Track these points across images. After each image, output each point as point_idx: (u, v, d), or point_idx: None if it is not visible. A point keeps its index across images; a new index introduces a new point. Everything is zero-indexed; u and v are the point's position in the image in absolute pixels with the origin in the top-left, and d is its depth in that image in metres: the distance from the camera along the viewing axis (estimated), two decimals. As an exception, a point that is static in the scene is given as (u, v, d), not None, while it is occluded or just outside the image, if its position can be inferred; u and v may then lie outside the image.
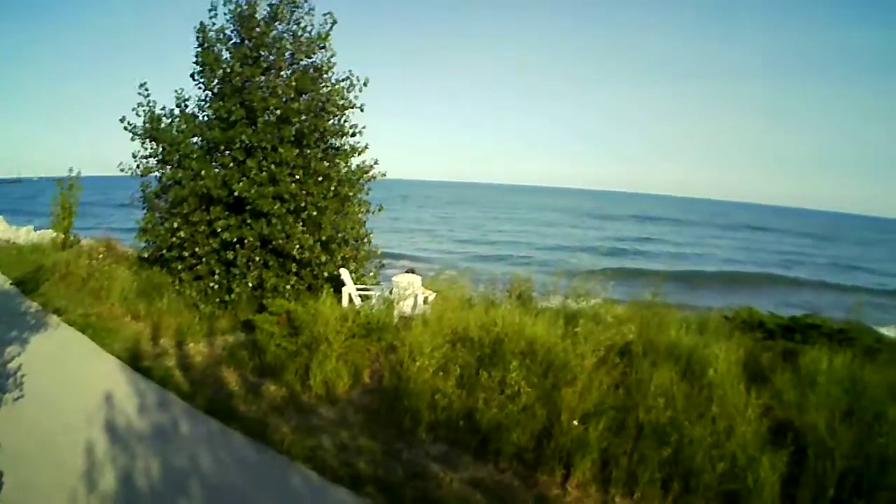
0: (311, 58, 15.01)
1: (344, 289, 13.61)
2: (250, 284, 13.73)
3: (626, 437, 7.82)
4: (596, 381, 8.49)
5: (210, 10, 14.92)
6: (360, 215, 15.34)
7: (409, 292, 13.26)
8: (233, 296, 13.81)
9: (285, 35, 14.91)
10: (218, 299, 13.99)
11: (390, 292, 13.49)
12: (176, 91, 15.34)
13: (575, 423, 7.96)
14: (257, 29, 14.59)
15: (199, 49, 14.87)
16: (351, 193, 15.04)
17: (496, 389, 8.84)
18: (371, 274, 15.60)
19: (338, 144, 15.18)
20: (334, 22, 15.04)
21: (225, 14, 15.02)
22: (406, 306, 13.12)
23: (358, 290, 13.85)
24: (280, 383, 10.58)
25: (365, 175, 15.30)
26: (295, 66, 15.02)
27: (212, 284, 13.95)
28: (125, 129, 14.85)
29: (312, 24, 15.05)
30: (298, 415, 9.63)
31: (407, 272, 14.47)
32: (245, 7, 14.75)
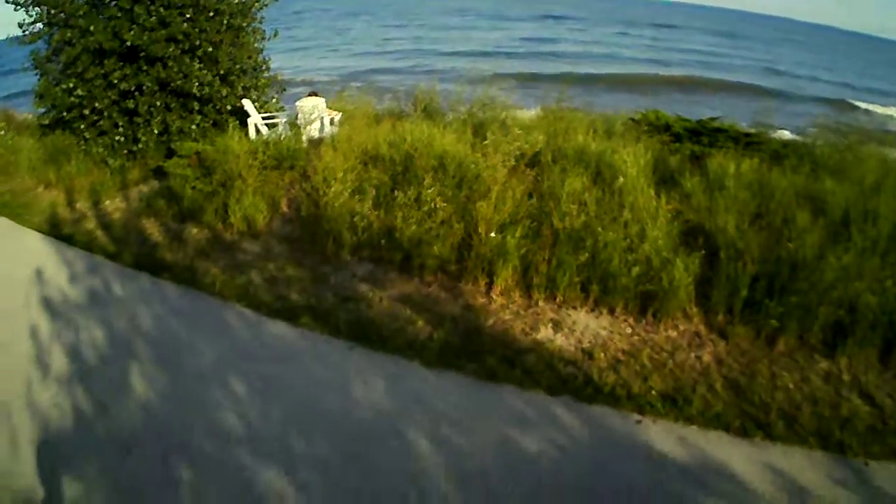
0: None
1: (249, 120, 13.44)
2: (155, 131, 13.41)
3: (543, 243, 8.13)
4: (509, 191, 8.71)
5: None
6: (255, 44, 14.94)
7: (315, 115, 13.24)
8: (140, 145, 13.52)
9: None
10: (126, 151, 13.66)
11: (296, 118, 13.45)
12: None
13: (493, 234, 8.26)
14: None
15: None
16: (245, 24, 14.56)
17: (413, 207, 9.02)
18: (274, 100, 15.33)
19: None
20: None
21: None
22: (313, 130, 13.16)
23: (263, 118, 13.69)
24: (201, 225, 10.63)
25: (257, 3, 14.77)
26: None
27: (117, 137, 13.56)
28: (7, 1, 13.86)
29: None
30: (224, 254, 9.76)
31: (310, 95, 14.29)
32: None
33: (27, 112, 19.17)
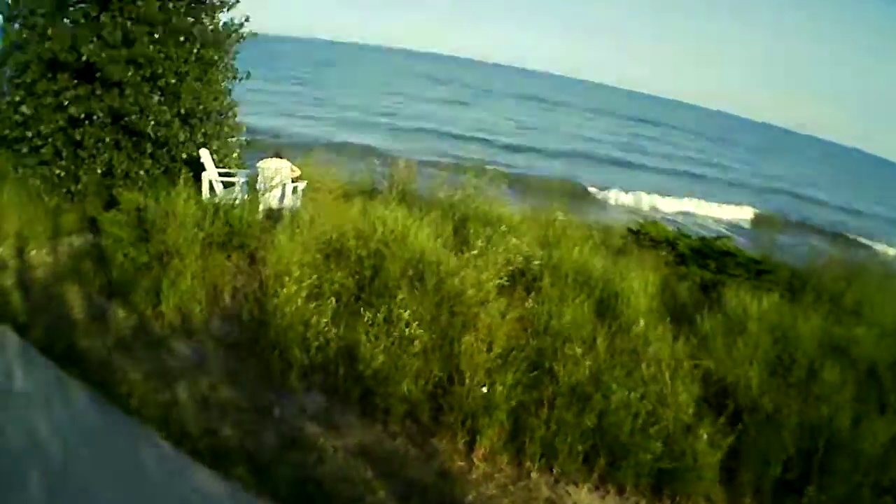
0: None
1: (204, 174, 11.92)
2: (98, 170, 11.79)
3: (538, 394, 6.78)
4: (499, 325, 7.43)
5: None
6: (223, 83, 13.30)
7: (277, 181, 11.73)
8: (79, 185, 11.88)
9: None
10: (65, 189, 11.98)
11: (256, 180, 11.94)
12: None
13: (483, 388, 6.82)
14: None
15: None
16: (216, 57, 12.87)
17: (381, 328, 7.53)
18: (235, 155, 13.64)
19: (203, -5, 12.99)
20: None
21: None
22: (273, 198, 11.66)
23: (220, 174, 12.20)
24: (129, 307, 9.00)
25: (234, 35, 13.10)
26: None
27: (57, 171, 11.86)
28: None
29: None
30: (150, 353, 8.14)
31: (273, 156, 12.51)
32: None
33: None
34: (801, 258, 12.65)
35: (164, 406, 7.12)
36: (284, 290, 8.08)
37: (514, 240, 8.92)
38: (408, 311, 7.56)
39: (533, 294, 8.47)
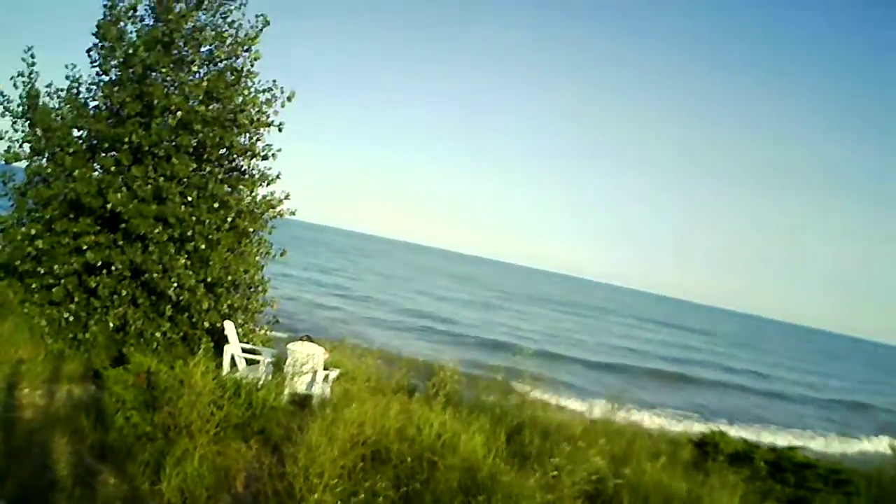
0: (231, 59, 12.40)
1: (227, 347, 11.06)
2: (111, 325, 11.00)
3: None
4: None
5: None
6: (257, 257, 12.73)
7: (309, 366, 10.84)
8: (87, 334, 11.03)
9: (208, 27, 12.26)
10: (71, 335, 11.14)
11: (284, 361, 11.07)
12: (67, 66, 12.26)
13: None
14: (175, 11, 11.92)
15: (102, 20, 12.03)
16: (252, 229, 12.42)
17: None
18: (262, 331, 12.90)
19: (245, 167, 12.57)
20: (266, 23, 12.46)
21: None
22: (301, 383, 10.70)
23: (244, 350, 11.33)
24: (123, 477, 7.74)
25: (272, 209, 12.67)
26: (211, 66, 12.36)
27: (66, 315, 11.11)
28: None
29: (242, 22, 12.44)
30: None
31: (304, 339, 11.85)
32: None
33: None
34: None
35: None
36: (315, 495, 6.94)
37: (595, 457, 7.90)
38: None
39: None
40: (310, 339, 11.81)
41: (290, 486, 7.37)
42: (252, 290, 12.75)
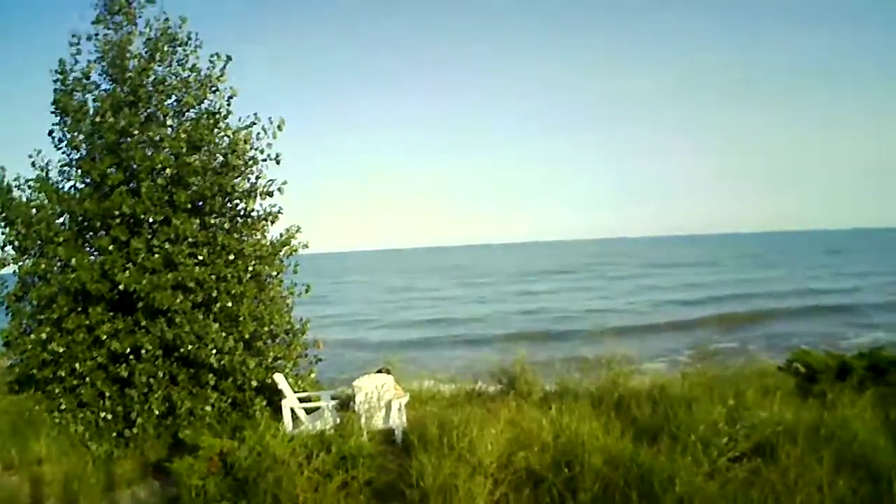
0: (201, 103, 11.66)
1: (284, 402, 10.24)
2: (156, 411, 10.17)
3: None
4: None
5: (71, 44, 11.32)
6: (287, 300, 11.95)
7: (385, 400, 10.09)
8: (135, 429, 10.19)
9: (168, 77, 11.53)
10: (115, 434, 10.31)
11: (349, 402, 10.30)
12: (31, 154, 11.40)
13: None
14: (130, 70, 11.24)
15: (58, 92, 11.28)
16: (273, 273, 11.68)
17: None
18: (310, 374, 12.06)
19: (248, 209, 11.74)
20: (228, 59, 11.71)
21: (91, 51, 11.50)
22: (378, 419, 9.90)
23: (299, 399, 10.54)
24: None
25: (286, 247, 11.83)
26: (184, 115, 11.64)
27: (103, 414, 10.28)
28: None
29: (199, 65, 11.79)
30: None
31: (379, 371, 11.11)
32: (115, 42, 11.36)
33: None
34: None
35: None
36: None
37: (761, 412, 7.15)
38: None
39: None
40: (386, 371, 11.17)
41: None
42: (290, 335, 11.94)
